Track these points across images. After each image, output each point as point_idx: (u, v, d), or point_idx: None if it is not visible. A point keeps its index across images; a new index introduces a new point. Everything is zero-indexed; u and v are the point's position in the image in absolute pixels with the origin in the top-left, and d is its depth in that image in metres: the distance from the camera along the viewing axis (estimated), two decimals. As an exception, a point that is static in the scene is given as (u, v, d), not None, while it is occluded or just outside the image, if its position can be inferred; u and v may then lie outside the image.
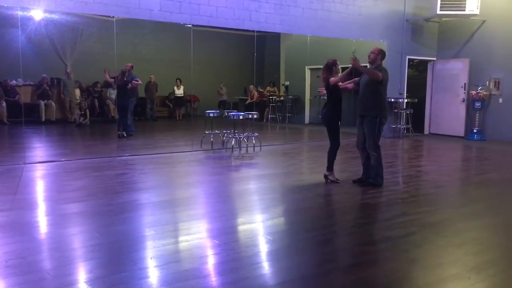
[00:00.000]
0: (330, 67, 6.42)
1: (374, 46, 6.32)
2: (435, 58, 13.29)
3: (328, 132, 6.55)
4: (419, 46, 12.91)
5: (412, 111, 12.52)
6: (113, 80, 10.75)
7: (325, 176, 6.55)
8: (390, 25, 12.16)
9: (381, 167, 6.33)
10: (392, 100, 12.45)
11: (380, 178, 6.34)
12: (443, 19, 12.58)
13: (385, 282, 3.37)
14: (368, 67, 6.37)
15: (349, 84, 6.37)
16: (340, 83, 6.34)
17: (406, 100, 12.66)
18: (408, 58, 12.79)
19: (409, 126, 12.60)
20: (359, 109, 6.35)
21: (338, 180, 6.48)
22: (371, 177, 6.36)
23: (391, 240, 4.24)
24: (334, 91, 6.38)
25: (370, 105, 6.15)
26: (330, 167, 6.52)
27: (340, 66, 6.56)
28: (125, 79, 10.37)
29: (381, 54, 6.24)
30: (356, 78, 6.44)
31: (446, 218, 5.08)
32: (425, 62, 13.46)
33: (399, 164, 8.97)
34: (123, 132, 10.48)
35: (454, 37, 12.83)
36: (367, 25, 11.65)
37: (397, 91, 12.59)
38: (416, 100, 12.79)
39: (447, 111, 13.00)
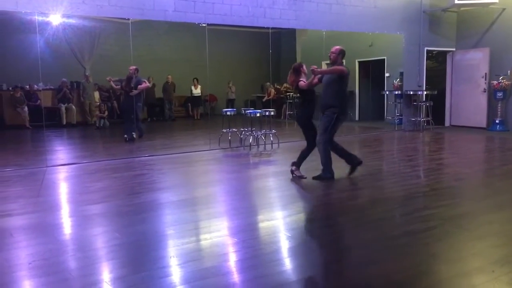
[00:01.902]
0: (298, 70, 6.47)
1: (334, 46, 6.43)
2: (454, 49, 13.07)
3: (305, 133, 6.53)
4: (437, 37, 12.70)
5: (432, 103, 12.33)
6: (119, 87, 10.57)
7: (292, 171, 6.55)
8: (406, 16, 11.99)
9: (329, 160, 6.35)
10: (411, 92, 12.29)
11: (329, 172, 6.34)
12: (461, 8, 12.35)
13: (406, 276, 3.33)
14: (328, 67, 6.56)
15: (314, 81, 6.34)
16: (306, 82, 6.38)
17: (425, 92, 12.48)
18: (427, 50, 12.60)
19: (429, 118, 12.40)
20: (321, 108, 6.43)
21: (303, 175, 6.47)
22: (321, 170, 6.38)
23: (411, 234, 4.18)
24: (305, 93, 6.43)
25: (332, 102, 6.25)
26: (298, 163, 6.54)
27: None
28: (131, 85, 9.94)
29: (341, 53, 6.35)
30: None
31: (469, 211, 5.00)
32: (444, 53, 13.23)
33: (420, 157, 8.85)
34: (133, 133, 10.23)
35: (473, 26, 12.58)
36: (383, 18, 11.51)
37: (416, 83, 12.42)
38: (435, 92, 12.58)
39: (468, 102, 12.76)
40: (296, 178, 6.44)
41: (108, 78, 10.51)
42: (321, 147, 6.30)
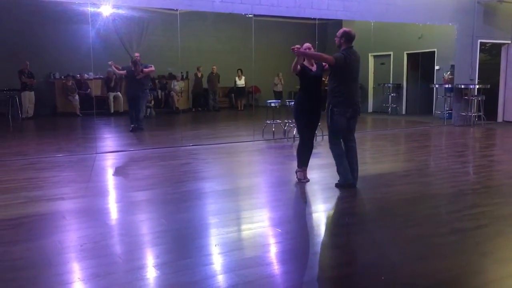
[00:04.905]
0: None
1: (342, 29, 5.65)
2: (509, 41, 12.47)
3: (296, 125, 6.04)
4: (492, 28, 12.15)
5: (484, 98, 11.85)
6: (124, 72, 10.28)
7: (296, 172, 6.00)
8: (460, 7, 11.53)
9: (340, 166, 5.60)
10: (463, 86, 11.85)
11: (341, 176, 5.56)
12: (519, -1, 11.77)
13: (455, 274, 3.23)
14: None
15: (297, 62, 5.65)
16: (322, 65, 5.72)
17: (477, 86, 12.00)
18: (480, 42, 12.10)
19: (481, 113, 11.93)
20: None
21: (305, 179, 5.87)
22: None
23: (461, 232, 4.05)
24: (301, 79, 5.79)
25: (328, 96, 5.48)
26: (299, 164, 5.94)
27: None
28: (140, 68, 9.77)
29: (344, 36, 5.46)
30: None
31: (522, 210, 4.79)
32: (499, 46, 12.66)
33: (470, 153, 8.54)
34: (135, 125, 9.97)
35: (531, 17, 11.97)
36: (435, 8, 11.11)
37: (467, 77, 11.96)
38: (488, 86, 12.07)
39: (523, 97, 12.19)
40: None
41: (110, 62, 10.32)
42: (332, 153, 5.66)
